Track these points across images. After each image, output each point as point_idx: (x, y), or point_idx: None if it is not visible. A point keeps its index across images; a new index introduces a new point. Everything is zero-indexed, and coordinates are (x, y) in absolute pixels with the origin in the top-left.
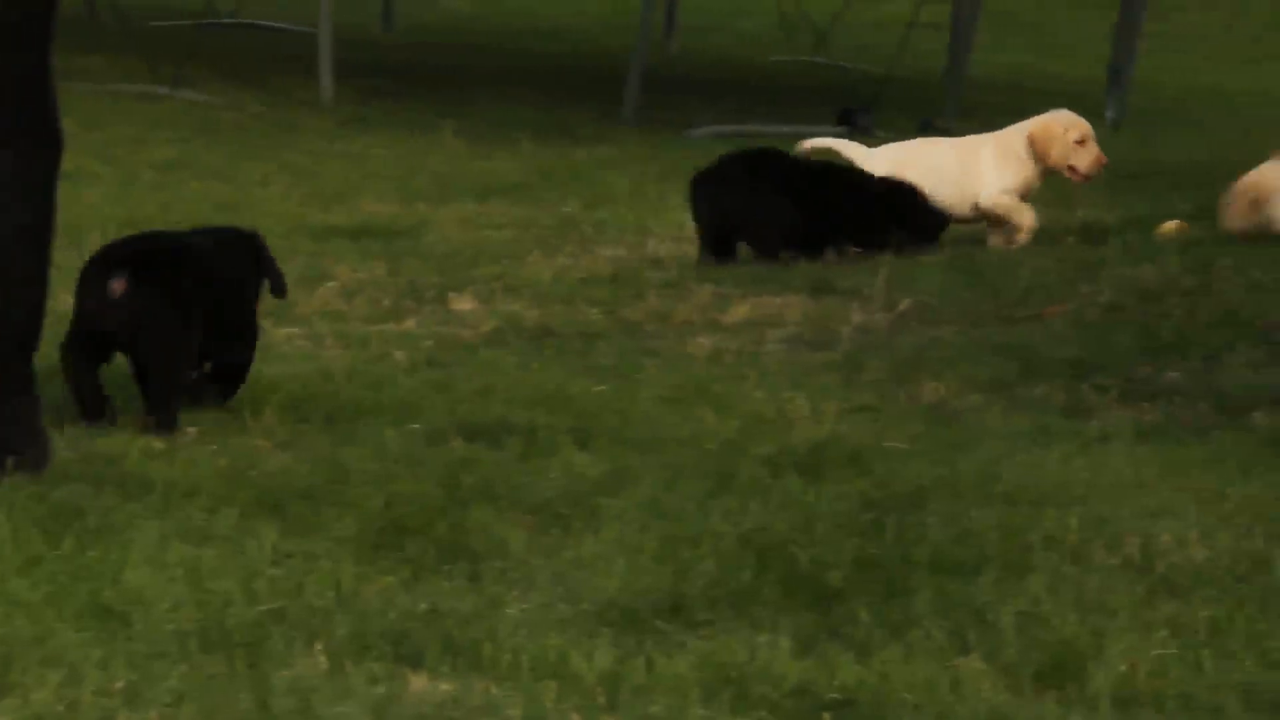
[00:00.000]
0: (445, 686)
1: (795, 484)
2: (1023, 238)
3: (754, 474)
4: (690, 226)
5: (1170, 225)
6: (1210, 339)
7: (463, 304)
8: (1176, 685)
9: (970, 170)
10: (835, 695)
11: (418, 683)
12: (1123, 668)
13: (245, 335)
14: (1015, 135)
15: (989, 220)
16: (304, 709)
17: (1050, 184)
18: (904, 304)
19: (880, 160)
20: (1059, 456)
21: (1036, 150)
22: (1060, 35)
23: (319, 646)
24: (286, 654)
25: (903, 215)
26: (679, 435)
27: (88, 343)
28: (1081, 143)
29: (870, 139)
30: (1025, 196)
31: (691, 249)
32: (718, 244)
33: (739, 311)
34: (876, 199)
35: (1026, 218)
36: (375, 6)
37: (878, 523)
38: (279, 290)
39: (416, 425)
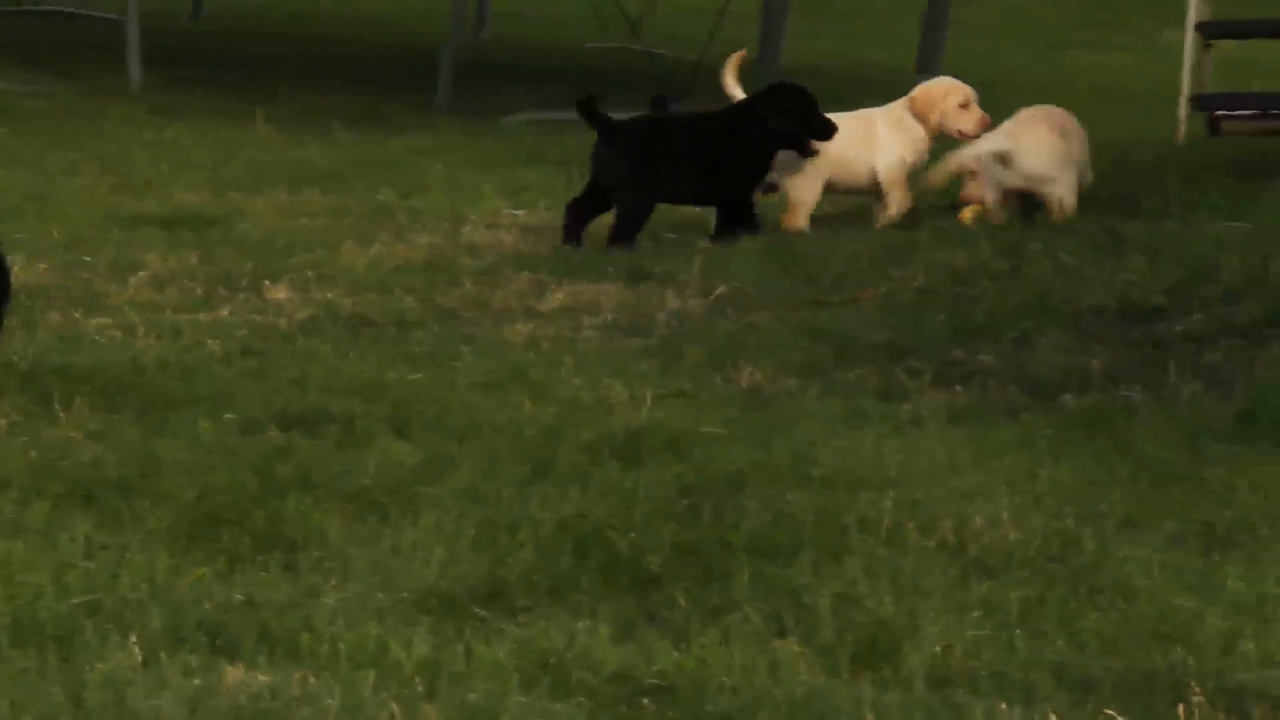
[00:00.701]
0: (262, 677)
1: (613, 470)
2: (892, 214)
3: (572, 460)
4: (504, 214)
5: (968, 211)
6: (1021, 322)
7: (277, 293)
8: (990, 665)
9: (870, 141)
10: (654, 681)
11: (234, 674)
12: (937, 648)
13: None
14: (900, 106)
15: (879, 194)
16: (118, 702)
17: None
18: (719, 290)
19: None
20: (873, 439)
21: (919, 116)
22: (872, 23)
23: (133, 639)
24: (100, 647)
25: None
26: (497, 422)
27: None
28: (964, 106)
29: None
30: (922, 164)
31: (507, 236)
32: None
33: (555, 298)
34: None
35: (903, 198)
36: None
37: (695, 507)
38: None
39: (231, 415)
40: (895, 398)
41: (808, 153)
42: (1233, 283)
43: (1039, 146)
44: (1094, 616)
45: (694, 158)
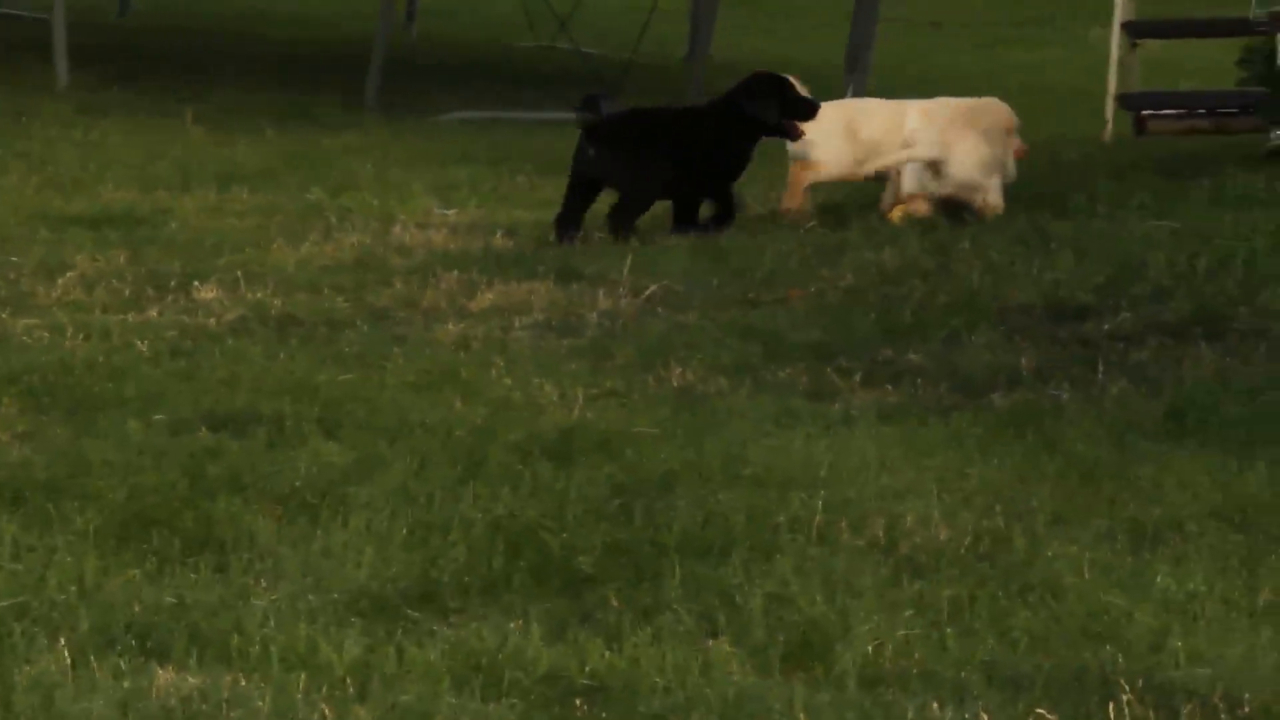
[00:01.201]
0: (193, 680)
1: (545, 470)
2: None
3: (504, 460)
4: (435, 214)
5: (897, 209)
6: (950, 321)
7: (206, 293)
8: (921, 664)
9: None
10: (587, 681)
11: (164, 676)
12: (869, 647)
13: None
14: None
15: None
16: (47, 705)
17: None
18: (650, 289)
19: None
20: (804, 439)
21: None
22: (799, 21)
23: (62, 642)
24: (28, 650)
25: None
26: (428, 422)
27: None
28: (1009, 131)
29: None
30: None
31: (437, 235)
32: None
33: (486, 298)
34: None
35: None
36: None
37: (627, 507)
38: None
39: (160, 415)
40: (825, 397)
41: (795, 136)
42: (1160, 281)
43: (968, 155)
44: (1024, 615)
45: (682, 151)
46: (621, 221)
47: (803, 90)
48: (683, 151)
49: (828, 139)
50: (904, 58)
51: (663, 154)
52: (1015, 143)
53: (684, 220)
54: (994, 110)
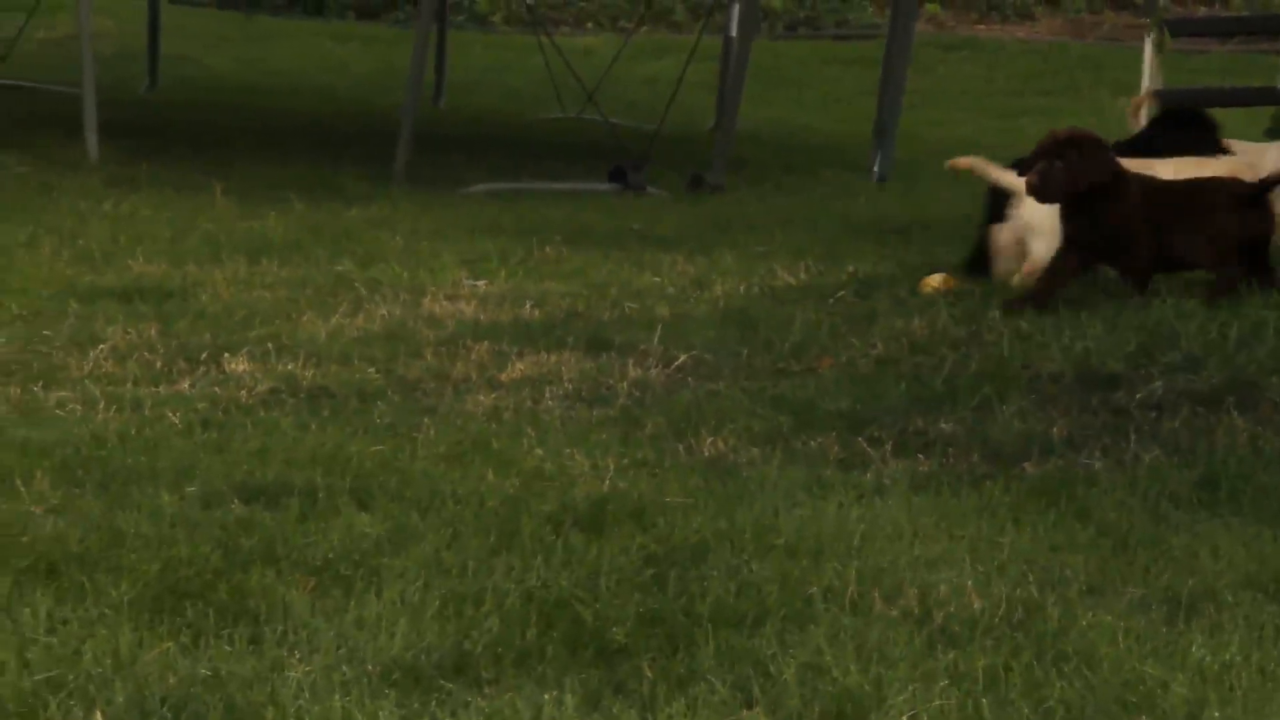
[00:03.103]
0: None
1: (577, 540)
2: None
3: (536, 531)
4: (464, 285)
5: (935, 279)
6: (980, 389)
7: (237, 365)
8: None
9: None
10: None
11: None
12: (904, 718)
13: None
14: None
15: None
16: None
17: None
18: (679, 359)
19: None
20: (836, 508)
21: None
22: (821, 91)
23: (98, 714)
24: None
25: None
26: (459, 493)
27: None
28: None
29: (642, 196)
30: None
31: (467, 307)
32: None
33: (516, 369)
34: None
35: None
36: (138, 66)
37: (660, 577)
38: None
39: (193, 488)
40: (857, 466)
41: None
42: (1192, 350)
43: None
44: (1059, 685)
45: None
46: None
47: None
48: None
49: None
50: (928, 127)
51: None
52: None
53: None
54: None
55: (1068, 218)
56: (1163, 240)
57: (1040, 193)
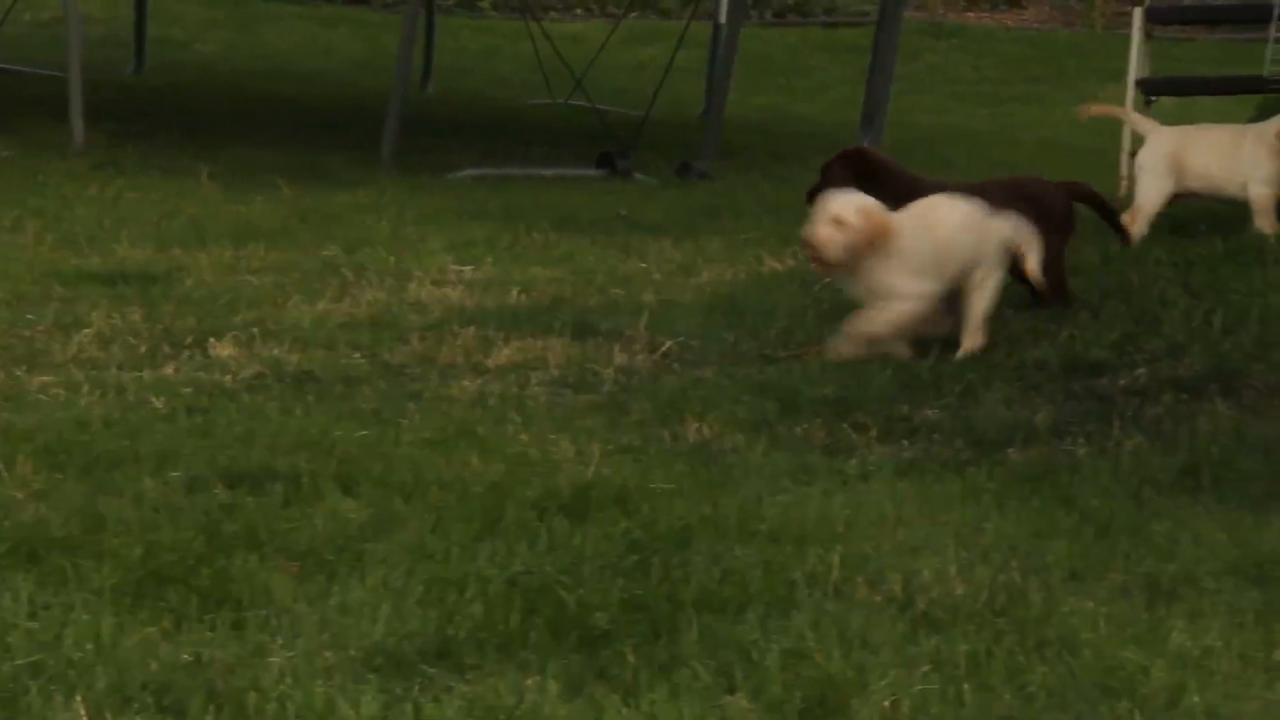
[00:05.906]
0: None
1: (561, 526)
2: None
3: (520, 517)
4: (450, 270)
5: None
6: (965, 376)
7: (222, 350)
8: (938, 719)
9: (1239, 154)
10: None
11: None
12: (886, 703)
13: None
14: (1270, 128)
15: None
16: None
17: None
18: (665, 345)
19: (1165, 138)
20: (820, 494)
21: None
22: (810, 78)
23: (79, 700)
24: (45, 709)
25: None
26: (444, 479)
27: None
28: None
29: (629, 182)
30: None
31: (453, 292)
32: None
33: (502, 354)
34: None
35: (1266, 219)
36: (124, 49)
37: (644, 563)
38: None
39: (176, 473)
40: (841, 452)
41: None
42: (1175, 337)
43: None
44: (1041, 670)
45: None
46: None
47: None
48: None
49: None
50: (918, 114)
51: None
52: None
53: None
54: None
55: None
56: None
57: None
